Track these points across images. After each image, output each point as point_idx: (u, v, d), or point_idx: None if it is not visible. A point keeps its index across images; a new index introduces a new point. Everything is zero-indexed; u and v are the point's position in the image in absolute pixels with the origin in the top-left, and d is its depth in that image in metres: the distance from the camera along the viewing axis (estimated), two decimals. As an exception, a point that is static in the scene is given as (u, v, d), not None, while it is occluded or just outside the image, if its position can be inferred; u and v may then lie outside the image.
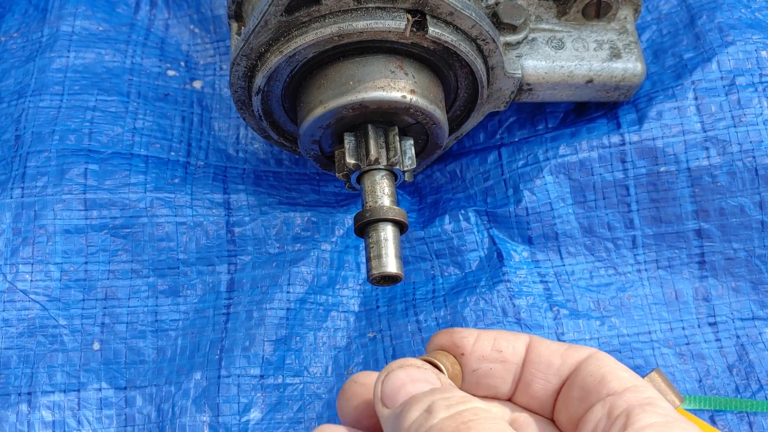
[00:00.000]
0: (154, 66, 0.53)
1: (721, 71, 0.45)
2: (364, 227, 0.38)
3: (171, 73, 0.53)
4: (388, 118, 0.40)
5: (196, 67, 0.54)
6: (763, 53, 0.45)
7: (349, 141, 0.40)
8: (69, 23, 0.53)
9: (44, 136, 0.48)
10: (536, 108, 0.49)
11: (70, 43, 0.52)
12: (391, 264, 0.37)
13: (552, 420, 0.33)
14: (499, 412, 0.34)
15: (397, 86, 0.38)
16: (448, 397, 0.28)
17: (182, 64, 0.54)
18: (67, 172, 0.47)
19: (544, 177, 0.46)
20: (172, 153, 0.50)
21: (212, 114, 0.52)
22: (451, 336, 0.35)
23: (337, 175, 0.41)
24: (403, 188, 0.51)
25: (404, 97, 0.38)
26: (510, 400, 0.34)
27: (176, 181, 0.48)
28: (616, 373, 0.30)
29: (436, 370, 0.32)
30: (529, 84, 0.43)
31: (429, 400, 0.28)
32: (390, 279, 0.38)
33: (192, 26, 0.55)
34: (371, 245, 0.38)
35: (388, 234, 0.38)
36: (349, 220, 0.48)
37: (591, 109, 0.48)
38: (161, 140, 0.50)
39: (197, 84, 0.53)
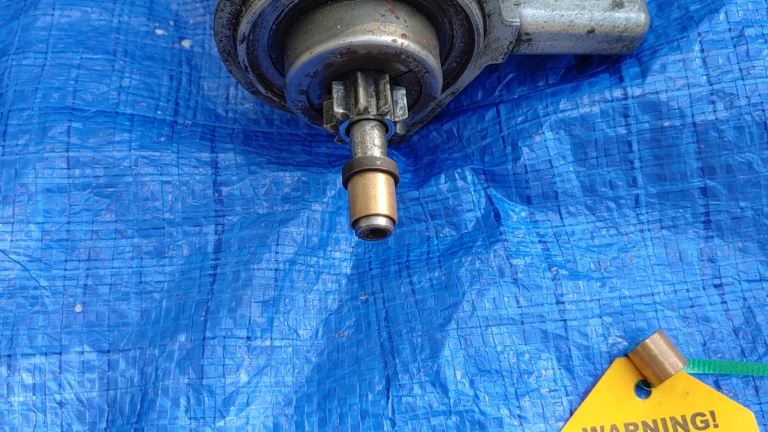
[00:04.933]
0: (142, 25, 0.51)
1: (729, 22, 0.43)
2: (352, 178, 0.37)
3: (159, 32, 0.51)
4: (378, 66, 0.38)
5: (185, 27, 0.52)
6: (773, 4, 0.43)
7: (337, 90, 0.38)
8: (54, -20, 0.51)
9: (27, 94, 0.47)
10: (536, 64, 0.47)
11: (55, 1, 0.50)
12: (380, 216, 0.36)
13: None
14: None
15: (388, 30, 0.37)
16: None
17: (171, 23, 0.52)
18: (49, 130, 0.46)
19: (543, 133, 0.44)
20: (159, 112, 0.48)
21: (201, 73, 0.50)
22: None
23: (325, 126, 0.39)
24: (398, 149, 0.49)
25: (395, 41, 0.37)
26: None
27: (162, 139, 0.46)
28: None
29: None
30: (528, 34, 0.41)
31: None
32: (379, 232, 0.36)
33: (181, -16, 0.53)
34: (360, 197, 0.36)
35: (378, 186, 0.36)
36: (341, 181, 0.47)
37: (593, 65, 0.46)
38: (148, 99, 0.48)
39: (186, 43, 0.51)
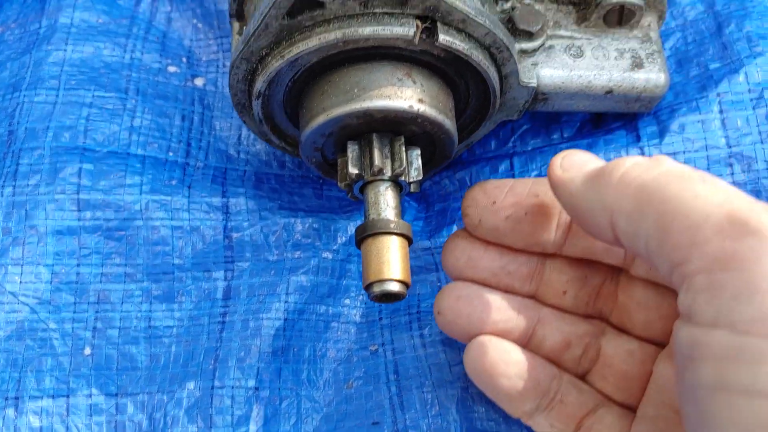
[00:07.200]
0: (155, 62, 0.51)
1: (748, 83, 0.43)
2: (365, 241, 0.37)
3: (172, 69, 0.51)
4: (394, 128, 0.38)
5: (198, 64, 0.52)
6: (794, 65, 0.43)
7: (352, 150, 0.38)
8: (68, 14, 0.51)
9: (38, 132, 0.47)
10: (551, 117, 0.47)
11: (68, 35, 0.50)
12: (393, 281, 0.35)
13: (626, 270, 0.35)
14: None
15: (404, 95, 0.36)
16: None
17: (184, 60, 0.52)
18: (60, 171, 0.45)
19: (557, 190, 0.44)
20: (171, 153, 0.48)
21: (213, 113, 0.50)
22: (483, 187, 0.34)
23: (339, 184, 0.39)
24: (410, 195, 0.49)
25: (411, 107, 0.36)
26: (560, 254, 0.34)
27: (173, 182, 0.46)
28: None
29: None
30: (544, 93, 0.41)
31: (649, 159, 0.28)
32: (392, 296, 0.36)
33: (195, 21, 0.53)
34: (372, 261, 0.36)
35: (390, 248, 0.36)
36: (352, 228, 0.46)
37: (609, 120, 0.46)
38: (159, 140, 0.48)
39: (199, 81, 0.51)
